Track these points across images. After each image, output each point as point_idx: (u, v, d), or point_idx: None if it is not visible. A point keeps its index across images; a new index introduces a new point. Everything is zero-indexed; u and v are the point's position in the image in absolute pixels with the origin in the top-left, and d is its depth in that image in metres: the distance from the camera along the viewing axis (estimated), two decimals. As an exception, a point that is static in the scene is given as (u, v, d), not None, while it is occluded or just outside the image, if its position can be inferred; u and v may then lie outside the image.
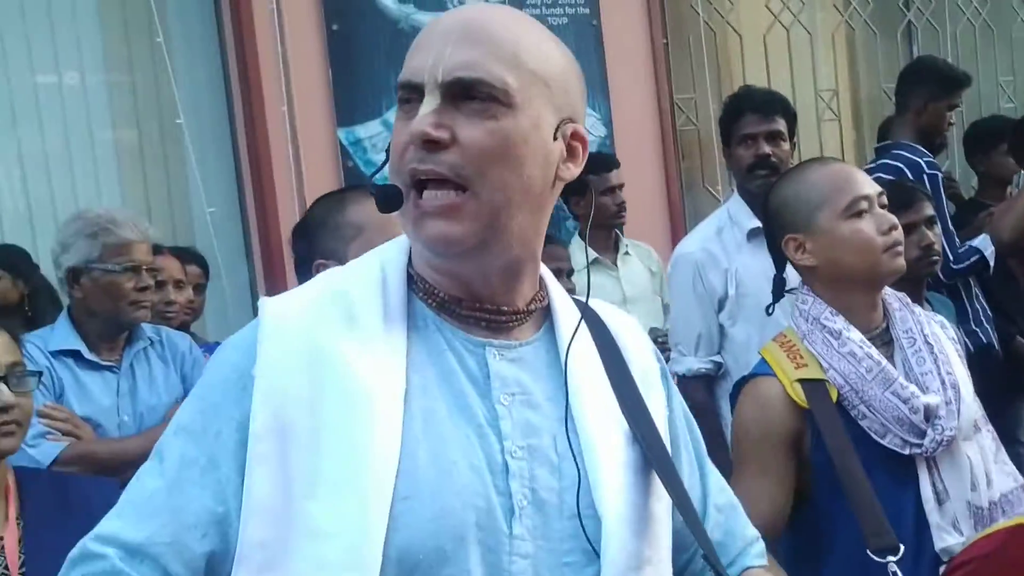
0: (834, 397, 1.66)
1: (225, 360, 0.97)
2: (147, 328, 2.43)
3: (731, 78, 4.80)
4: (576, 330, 1.01)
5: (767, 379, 1.71)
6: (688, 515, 1.02)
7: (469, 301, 0.98)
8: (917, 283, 2.44)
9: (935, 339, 1.72)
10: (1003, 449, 1.77)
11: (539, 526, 0.93)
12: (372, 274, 0.99)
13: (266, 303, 0.97)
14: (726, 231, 2.81)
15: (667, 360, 2.97)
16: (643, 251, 3.73)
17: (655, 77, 4.50)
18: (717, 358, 2.81)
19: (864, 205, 1.69)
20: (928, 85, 3.44)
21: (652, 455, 1.01)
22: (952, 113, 3.49)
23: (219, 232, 3.63)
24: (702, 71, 4.70)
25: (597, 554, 0.94)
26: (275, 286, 3.57)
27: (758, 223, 2.65)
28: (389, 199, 0.94)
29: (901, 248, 1.70)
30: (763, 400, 1.70)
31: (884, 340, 1.72)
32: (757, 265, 2.70)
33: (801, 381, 1.67)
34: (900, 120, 3.52)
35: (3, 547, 1.58)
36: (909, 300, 1.80)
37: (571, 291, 2.87)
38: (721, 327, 2.80)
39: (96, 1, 3.74)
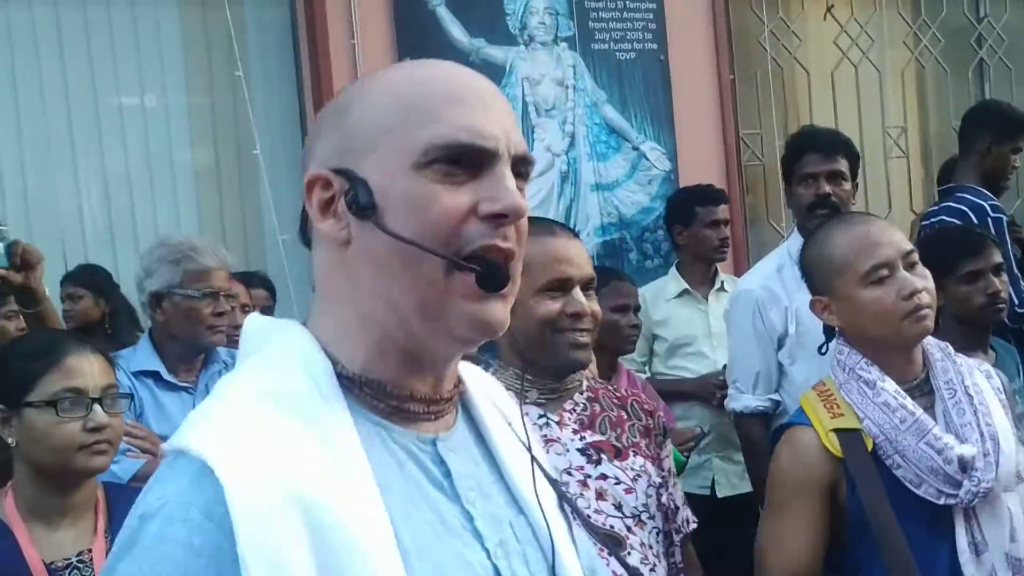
0: (869, 446, 1.69)
1: (171, 542, 0.76)
2: (222, 352, 2.53)
3: (798, 114, 4.81)
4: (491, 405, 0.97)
5: (803, 428, 1.75)
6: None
7: (425, 395, 0.89)
8: (983, 329, 2.44)
9: (976, 390, 1.74)
10: None
11: None
12: (302, 386, 0.84)
13: (219, 459, 0.77)
14: (786, 269, 2.81)
15: (723, 397, 2.99)
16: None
17: (721, 112, 4.53)
18: (776, 396, 2.81)
19: (884, 272, 1.71)
20: (992, 128, 3.42)
21: (577, 515, 1.00)
22: (1016, 157, 3.46)
23: (290, 258, 3.74)
24: (768, 107, 4.72)
25: None
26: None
27: None
28: (498, 279, 0.85)
29: (926, 311, 1.71)
30: (799, 449, 1.74)
31: (924, 391, 1.75)
32: None
33: (837, 431, 1.70)
34: (964, 163, 3.51)
35: (92, 558, 1.66)
36: (952, 350, 1.81)
37: (637, 327, 2.87)
38: (780, 365, 2.80)
39: (180, 27, 3.89)
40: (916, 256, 1.76)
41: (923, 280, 1.74)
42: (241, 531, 0.74)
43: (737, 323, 2.88)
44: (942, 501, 1.65)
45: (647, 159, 4.32)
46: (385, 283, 0.85)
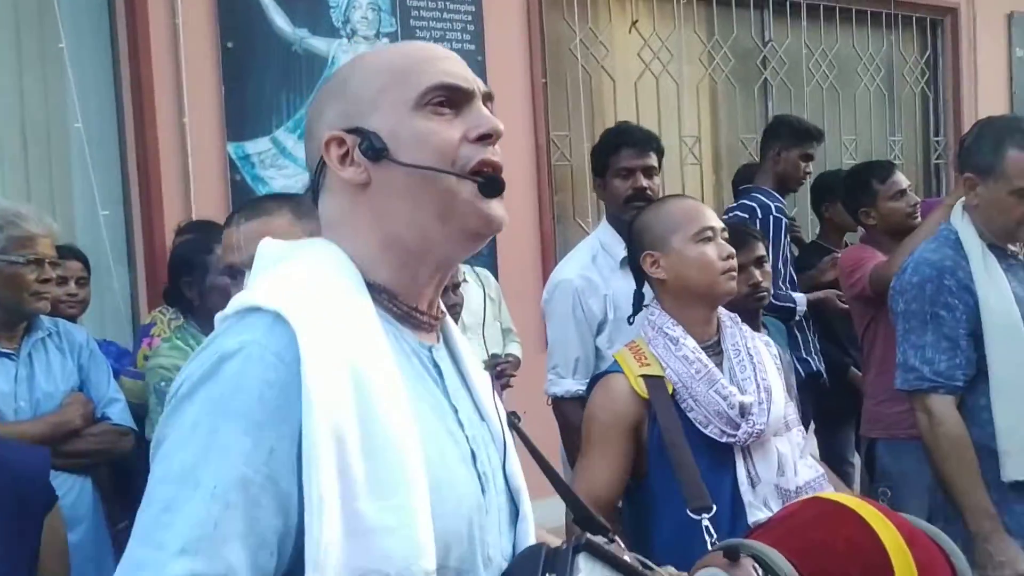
0: (669, 390, 1.96)
1: (250, 376, 0.92)
2: (45, 320, 2.50)
3: (603, 119, 5.12)
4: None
5: (616, 375, 2.02)
6: (553, 478, 1.24)
7: (423, 307, 1.09)
8: (751, 314, 2.74)
9: (756, 351, 2.04)
10: (810, 446, 2.13)
11: (493, 499, 1.09)
12: (342, 279, 1.04)
13: (292, 314, 0.95)
14: (600, 258, 2.94)
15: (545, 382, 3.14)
16: (481, 277, 3.73)
17: (533, 114, 4.79)
18: None
19: (710, 234, 2.02)
20: (782, 137, 3.86)
21: (519, 435, 1.22)
22: (808, 164, 3.88)
23: (111, 232, 3.70)
24: (577, 111, 5.03)
25: (517, 515, 1.15)
26: (157, 290, 3.64)
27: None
28: (496, 186, 1.06)
29: (735, 273, 2.03)
30: (611, 391, 2.01)
31: (716, 351, 2.03)
32: (631, 290, 2.92)
33: (644, 376, 1.98)
34: (762, 168, 3.95)
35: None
36: (739, 319, 2.13)
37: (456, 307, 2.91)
38: (597, 350, 2.91)
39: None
40: (727, 235, 2.09)
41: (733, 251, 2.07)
42: (308, 370, 0.92)
43: (557, 312, 2.94)
44: (724, 439, 1.93)
45: (463, 154, 4.50)
46: (407, 204, 1.05)
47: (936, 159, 6.71)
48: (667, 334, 2.01)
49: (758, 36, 5.83)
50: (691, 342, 1.99)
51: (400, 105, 1.05)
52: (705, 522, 1.83)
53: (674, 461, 1.91)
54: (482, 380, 1.18)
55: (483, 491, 1.07)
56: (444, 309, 1.15)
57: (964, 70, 6.65)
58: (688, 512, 1.86)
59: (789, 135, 3.86)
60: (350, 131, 1.06)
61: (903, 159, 6.49)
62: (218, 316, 1.02)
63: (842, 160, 5.88)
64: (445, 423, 1.06)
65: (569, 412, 2.86)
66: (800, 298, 3.56)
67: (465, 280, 3.54)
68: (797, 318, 3.49)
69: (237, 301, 1.00)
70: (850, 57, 6.23)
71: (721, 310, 2.10)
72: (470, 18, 4.63)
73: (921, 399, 2.36)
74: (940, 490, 2.40)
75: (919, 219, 3.34)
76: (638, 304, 2.19)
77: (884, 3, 6.03)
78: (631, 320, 2.21)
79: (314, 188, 1.12)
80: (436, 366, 1.10)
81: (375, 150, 1.04)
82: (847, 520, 1.60)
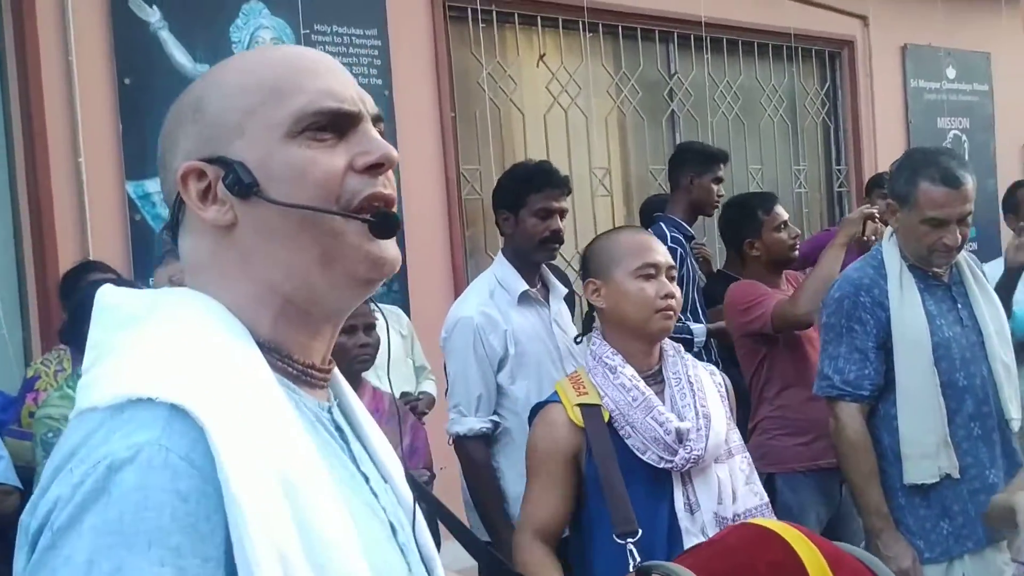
0: (606, 418, 1.98)
1: (155, 488, 0.73)
2: None
3: (513, 152, 5.14)
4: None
5: (554, 405, 2.05)
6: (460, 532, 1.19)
7: (317, 363, 0.94)
8: None
9: (697, 380, 2.07)
10: (756, 474, 2.13)
11: (412, 563, 0.98)
12: (229, 341, 0.86)
13: (194, 403, 0.76)
14: (497, 294, 2.90)
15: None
16: (392, 314, 3.65)
17: (443, 147, 4.76)
18: (495, 417, 2.88)
19: (651, 271, 2.05)
20: (693, 164, 3.88)
21: (421, 494, 1.12)
22: (720, 187, 3.91)
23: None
24: (487, 145, 5.02)
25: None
26: (51, 336, 3.49)
27: (527, 286, 2.89)
28: (390, 225, 0.91)
29: (671, 314, 2.05)
30: (549, 422, 2.03)
31: (657, 379, 2.06)
32: (529, 325, 2.89)
33: (580, 405, 2.00)
34: (673, 197, 3.96)
35: None
36: (682, 349, 2.17)
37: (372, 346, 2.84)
38: (499, 386, 2.88)
39: None
40: (675, 273, 2.12)
41: (678, 291, 2.08)
42: (230, 475, 0.74)
43: (457, 349, 2.89)
44: (662, 465, 1.95)
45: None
46: (284, 249, 0.89)
47: (839, 187, 6.90)
48: (606, 363, 2.03)
49: (664, 68, 5.93)
50: (629, 370, 2.01)
51: (271, 130, 0.88)
52: (630, 546, 1.85)
53: (604, 486, 1.93)
54: (378, 435, 1.05)
55: (409, 568, 0.96)
56: (332, 359, 1.00)
57: (862, 101, 6.86)
58: (614, 537, 1.88)
59: (699, 161, 3.88)
60: (211, 161, 0.89)
61: (807, 187, 6.66)
62: (73, 413, 0.81)
63: (749, 188, 5.98)
64: (364, 500, 0.93)
65: (472, 451, 2.83)
66: (698, 328, 3.55)
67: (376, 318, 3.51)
68: (695, 349, 3.48)
69: (102, 388, 0.79)
70: (754, 88, 6.37)
71: (667, 340, 2.14)
72: (377, 52, 4.60)
73: (832, 405, 2.55)
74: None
75: (798, 252, 3.41)
76: (587, 327, 2.24)
77: (784, 36, 6.19)
78: (578, 340, 2.31)
79: (173, 227, 0.94)
80: (338, 428, 0.96)
81: (242, 185, 0.87)
82: (771, 544, 1.62)
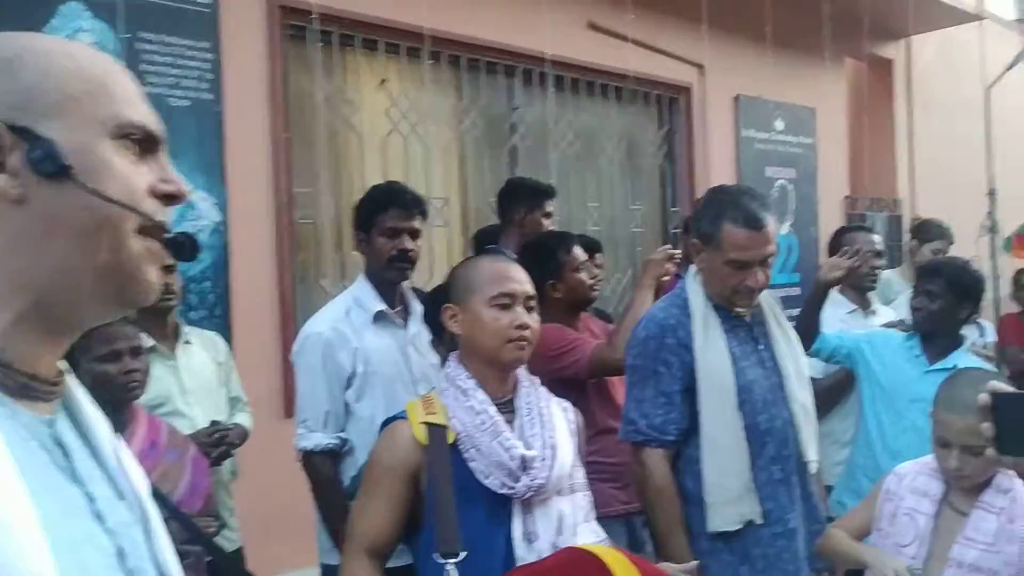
0: (451, 439, 1.96)
1: None
2: None
3: (350, 177, 5.00)
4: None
5: (401, 422, 2.03)
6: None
7: (42, 373, 0.87)
8: None
9: (548, 412, 2.08)
10: (593, 514, 2.13)
11: None
12: None
13: None
14: (353, 313, 2.90)
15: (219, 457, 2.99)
16: (208, 340, 3.53)
17: (275, 169, 4.57)
18: (343, 434, 2.86)
19: (507, 300, 2.02)
20: (524, 199, 3.88)
21: (165, 506, 1.06)
22: (550, 221, 3.92)
23: None
24: (322, 168, 4.85)
25: None
26: None
27: (383, 306, 2.90)
28: (193, 250, 0.93)
29: (525, 344, 2.02)
30: (393, 437, 2.01)
31: (509, 408, 2.05)
32: (383, 345, 2.87)
33: (426, 424, 1.98)
34: (506, 232, 3.95)
35: None
36: (539, 382, 2.16)
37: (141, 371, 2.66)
38: (346, 404, 2.86)
39: None
40: (535, 303, 2.08)
41: (534, 322, 2.06)
42: None
43: (306, 365, 2.88)
44: (503, 491, 1.93)
45: (196, 208, 4.23)
46: (68, 244, 0.84)
47: (674, 228, 7.07)
48: (459, 386, 2.02)
49: (507, 102, 5.92)
50: (481, 395, 2.01)
51: (94, 124, 0.86)
52: (448, 567, 1.83)
53: (435, 506, 1.90)
54: (114, 448, 0.95)
55: None
56: (64, 368, 0.93)
57: (697, 146, 7.07)
58: (435, 557, 1.85)
59: (529, 196, 3.92)
60: (13, 129, 0.82)
61: (644, 227, 6.79)
62: None
63: (587, 225, 6.05)
64: (82, 526, 0.84)
65: (319, 466, 2.83)
66: None
67: (189, 342, 3.36)
68: None
69: None
70: (595, 127, 6.46)
71: (523, 371, 2.12)
72: (208, 66, 4.38)
73: (638, 451, 2.50)
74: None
75: (596, 291, 3.41)
76: (452, 346, 2.22)
77: (624, 79, 6.30)
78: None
79: None
80: (59, 444, 0.87)
81: (55, 164, 0.82)
82: (589, 567, 1.70)
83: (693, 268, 2.60)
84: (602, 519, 2.97)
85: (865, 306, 4.04)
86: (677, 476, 2.48)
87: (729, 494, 2.42)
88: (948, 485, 2.29)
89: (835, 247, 4.01)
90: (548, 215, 3.94)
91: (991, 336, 5.44)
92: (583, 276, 3.29)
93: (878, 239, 4.06)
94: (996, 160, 8.56)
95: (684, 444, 2.48)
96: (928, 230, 5.07)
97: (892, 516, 2.34)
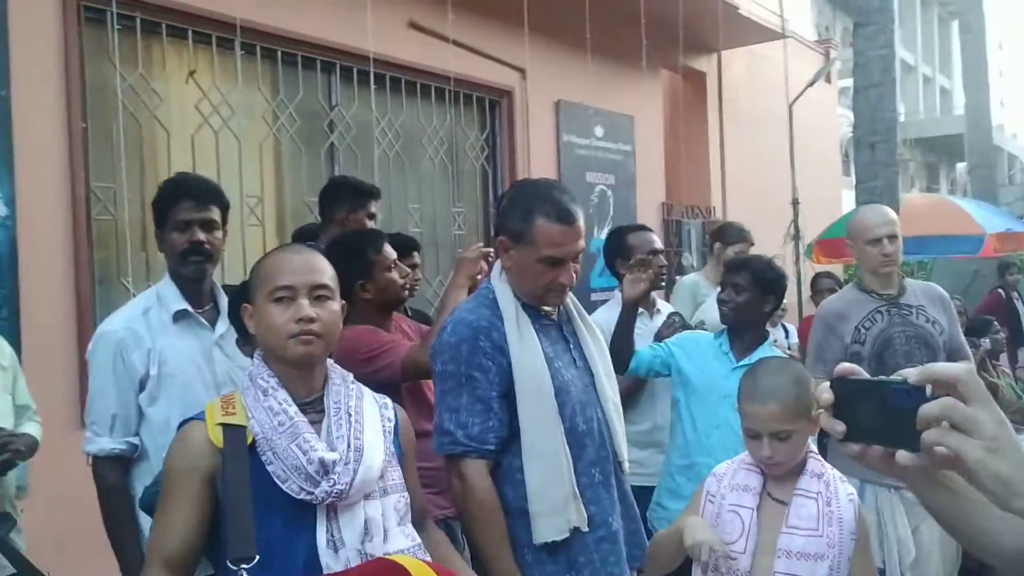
0: (249, 441, 1.85)
1: None
2: None
3: (156, 172, 4.72)
4: None
5: (196, 423, 1.90)
6: None
7: None
8: None
9: (358, 411, 1.97)
10: (409, 517, 1.99)
11: None
12: None
13: None
14: (153, 311, 2.74)
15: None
16: None
17: (71, 162, 4.27)
18: (134, 439, 2.69)
19: (285, 294, 1.90)
20: (346, 200, 3.76)
21: None
22: (374, 221, 3.81)
23: None
24: (124, 162, 4.56)
25: None
26: None
27: (186, 305, 2.74)
28: None
29: (311, 338, 1.90)
30: (187, 440, 1.89)
31: (318, 408, 1.94)
32: (183, 346, 2.71)
33: (223, 425, 1.87)
34: (328, 231, 3.80)
35: None
36: (352, 378, 2.04)
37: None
38: (140, 408, 2.69)
39: None
40: (327, 292, 1.95)
41: (328, 312, 1.93)
42: None
43: (97, 365, 2.71)
44: (302, 496, 1.81)
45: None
46: None
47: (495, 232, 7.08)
48: (259, 385, 1.92)
49: (325, 99, 5.78)
50: (282, 394, 1.90)
51: None
52: (243, 573, 1.75)
53: (227, 506, 1.79)
54: None
55: None
56: None
57: (519, 150, 7.12)
58: (228, 563, 1.75)
59: (353, 195, 3.81)
60: None
61: (465, 229, 6.77)
62: None
63: (408, 228, 5.97)
64: None
65: (106, 472, 2.67)
66: None
67: None
68: None
69: None
70: (416, 128, 6.39)
71: (335, 367, 2.02)
72: (-5, 49, 4.04)
73: (455, 464, 2.34)
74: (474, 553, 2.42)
75: (408, 291, 3.33)
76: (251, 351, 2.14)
77: (446, 80, 6.26)
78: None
79: None
80: None
81: None
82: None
83: (498, 267, 2.52)
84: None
85: (650, 307, 4.10)
86: (496, 487, 2.34)
87: (554, 502, 2.32)
88: (766, 477, 2.33)
89: (617, 249, 4.05)
90: (372, 216, 3.83)
91: (795, 337, 5.72)
92: (394, 275, 3.16)
93: (655, 237, 4.11)
94: (799, 172, 9.04)
95: (503, 454, 2.35)
96: (729, 233, 5.25)
97: (716, 516, 2.36)
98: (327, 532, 1.84)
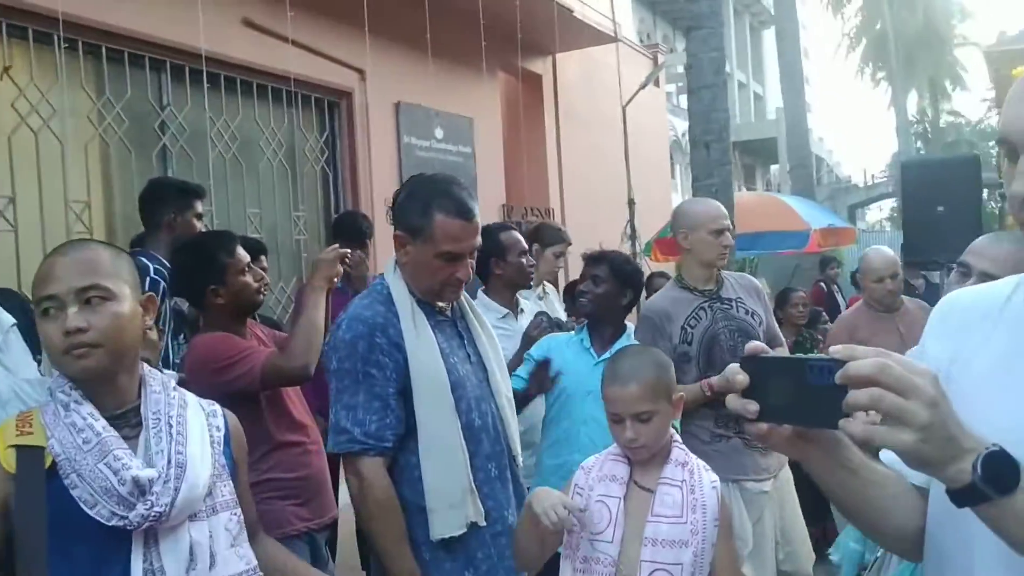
0: (49, 463, 1.64)
1: None
2: None
3: (-32, 177, 4.36)
4: None
5: None
6: None
7: None
8: None
9: (181, 421, 1.76)
10: (245, 534, 1.82)
11: None
12: None
13: None
14: None
15: None
16: None
17: None
18: None
19: (50, 304, 1.66)
20: (172, 201, 3.56)
21: None
22: (201, 222, 3.63)
23: None
24: (-69, 165, 4.18)
25: None
26: None
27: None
28: None
29: (84, 350, 1.66)
30: None
31: (135, 421, 1.73)
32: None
33: (16, 447, 1.65)
34: (153, 235, 3.59)
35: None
36: (174, 385, 1.84)
37: None
38: None
39: None
40: (104, 292, 1.69)
41: (103, 319, 1.67)
42: None
43: None
44: (113, 522, 1.61)
45: None
46: None
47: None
48: (60, 399, 1.69)
49: (155, 99, 5.49)
50: (86, 408, 1.67)
51: None
52: None
53: (18, 548, 1.58)
54: None
55: None
56: None
57: (360, 152, 7.00)
58: None
59: (177, 196, 3.62)
60: None
61: (307, 233, 6.59)
62: None
63: (248, 233, 5.74)
64: None
65: None
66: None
67: None
68: None
69: None
70: (253, 131, 6.17)
71: (154, 373, 1.80)
72: None
73: (353, 462, 2.30)
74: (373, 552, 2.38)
75: (263, 295, 3.16)
76: None
77: (284, 80, 6.07)
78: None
79: None
80: None
81: None
82: None
83: (391, 262, 2.47)
84: (283, 539, 2.75)
85: (515, 307, 4.10)
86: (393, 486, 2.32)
87: (452, 497, 2.31)
88: (632, 466, 2.35)
89: (488, 248, 4.04)
90: (200, 216, 3.65)
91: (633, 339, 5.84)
92: (248, 279, 2.99)
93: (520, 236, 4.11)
94: (633, 173, 9.28)
95: (400, 451, 2.33)
96: (547, 235, 5.20)
97: (585, 507, 2.36)
98: (144, 561, 1.65)
